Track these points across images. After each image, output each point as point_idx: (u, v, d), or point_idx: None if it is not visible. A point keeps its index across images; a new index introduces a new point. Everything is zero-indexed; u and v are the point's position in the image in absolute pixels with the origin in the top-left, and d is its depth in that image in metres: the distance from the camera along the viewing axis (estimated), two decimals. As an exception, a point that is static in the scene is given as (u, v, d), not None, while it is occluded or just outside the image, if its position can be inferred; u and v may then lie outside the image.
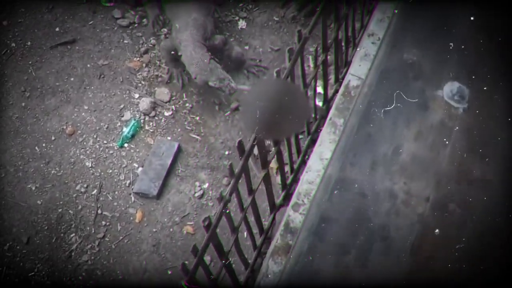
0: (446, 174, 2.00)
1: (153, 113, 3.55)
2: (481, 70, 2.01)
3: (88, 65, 3.70)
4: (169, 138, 3.48)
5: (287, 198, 2.85)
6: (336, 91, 2.99)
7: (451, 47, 2.07)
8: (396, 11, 2.23)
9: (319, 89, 3.28)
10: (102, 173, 3.39)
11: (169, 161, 3.36)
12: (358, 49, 2.23)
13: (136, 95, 3.60)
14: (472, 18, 2.12)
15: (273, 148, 2.41)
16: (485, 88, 1.98)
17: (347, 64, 3.11)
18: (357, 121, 1.95)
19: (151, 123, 3.54)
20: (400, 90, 1.99)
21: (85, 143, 3.48)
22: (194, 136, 3.49)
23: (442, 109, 1.98)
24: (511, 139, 1.92)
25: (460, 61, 2.04)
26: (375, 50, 2.17)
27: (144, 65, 3.70)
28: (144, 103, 3.54)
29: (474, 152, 1.96)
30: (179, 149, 3.42)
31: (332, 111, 2.10)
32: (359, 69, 2.15)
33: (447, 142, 1.96)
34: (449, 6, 2.18)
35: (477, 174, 1.99)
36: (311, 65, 3.41)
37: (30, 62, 3.69)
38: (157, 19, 3.80)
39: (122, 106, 3.59)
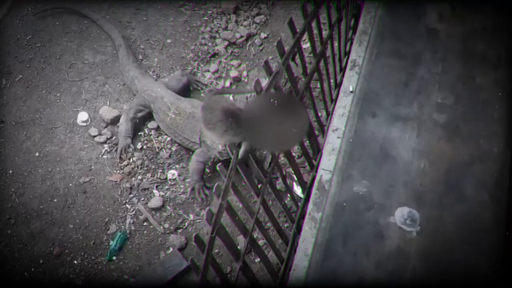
0: (410, 299, 2.08)
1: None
2: (427, 195, 2.19)
3: (70, 184, 3.81)
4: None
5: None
6: (313, 178, 3.18)
7: (396, 176, 2.26)
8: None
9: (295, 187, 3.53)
10: (93, 290, 3.40)
11: (170, 276, 3.35)
12: (325, 143, 2.44)
13: (121, 207, 3.70)
14: (413, 144, 2.35)
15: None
16: (433, 210, 2.14)
17: (320, 151, 3.34)
18: (320, 256, 2.05)
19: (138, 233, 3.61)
20: (354, 222, 2.13)
21: (73, 261, 3.51)
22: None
23: (397, 235, 2.11)
24: (465, 256, 2.05)
25: (407, 187, 2.22)
26: (339, 143, 2.37)
27: (125, 176, 3.82)
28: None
29: (433, 272, 2.07)
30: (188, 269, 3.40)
31: (310, 206, 2.24)
32: (329, 163, 2.34)
33: (406, 267, 2.07)
34: (391, 133, 2.40)
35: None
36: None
37: (12, 190, 3.78)
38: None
39: (107, 219, 3.67)
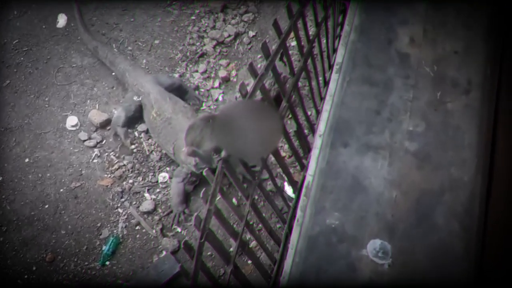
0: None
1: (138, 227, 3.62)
2: (398, 226, 2.17)
3: (61, 190, 3.78)
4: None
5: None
6: (304, 177, 3.17)
7: (367, 207, 2.24)
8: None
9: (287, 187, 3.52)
10: (88, 296, 3.39)
11: (163, 280, 3.35)
12: (312, 151, 2.43)
13: (113, 211, 3.68)
14: (385, 174, 2.33)
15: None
16: (405, 241, 2.13)
17: (309, 150, 3.33)
18: (296, 288, 2.07)
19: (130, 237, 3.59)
20: (327, 255, 2.12)
21: (66, 268, 3.50)
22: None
23: (369, 268, 2.10)
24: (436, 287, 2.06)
25: (378, 219, 2.20)
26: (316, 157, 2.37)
27: (116, 180, 3.80)
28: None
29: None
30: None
31: (298, 212, 2.24)
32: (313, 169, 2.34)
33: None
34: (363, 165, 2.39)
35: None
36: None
37: (3, 196, 3.75)
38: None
39: (99, 224, 3.65)
